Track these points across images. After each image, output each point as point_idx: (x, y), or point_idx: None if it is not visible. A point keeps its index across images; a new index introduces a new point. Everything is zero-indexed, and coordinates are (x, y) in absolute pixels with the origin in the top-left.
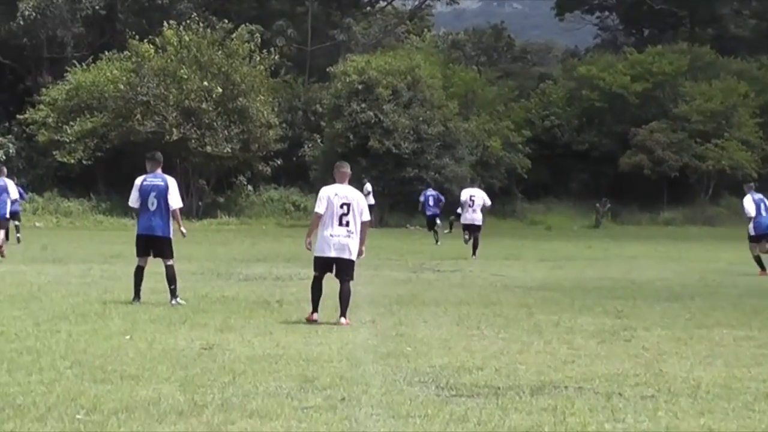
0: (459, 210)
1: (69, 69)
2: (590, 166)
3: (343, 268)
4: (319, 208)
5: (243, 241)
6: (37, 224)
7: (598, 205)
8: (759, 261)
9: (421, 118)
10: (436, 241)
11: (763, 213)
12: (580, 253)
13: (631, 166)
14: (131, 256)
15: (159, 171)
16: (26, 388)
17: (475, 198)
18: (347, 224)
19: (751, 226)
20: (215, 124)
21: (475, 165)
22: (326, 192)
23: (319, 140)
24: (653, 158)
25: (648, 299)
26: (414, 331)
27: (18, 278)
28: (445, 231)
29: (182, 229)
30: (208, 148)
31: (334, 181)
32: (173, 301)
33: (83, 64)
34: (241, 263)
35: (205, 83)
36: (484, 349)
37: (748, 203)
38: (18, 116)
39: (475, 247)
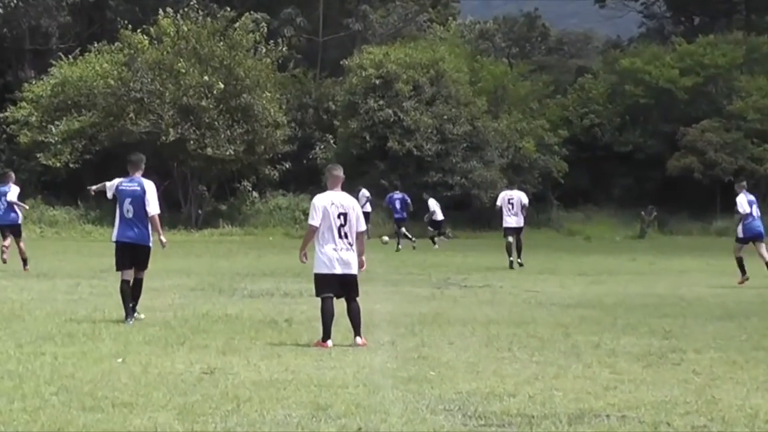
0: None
1: (54, 62)
2: (634, 170)
3: (350, 285)
4: (314, 219)
5: (247, 253)
6: None
7: (643, 213)
8: (741, 265)
9: (445, 117)
10: (398, 248)
11: (755, 214)
12: (623, 267)
13: (680, 169)
14: None
15: (138, 175)
16: (7, 417)
17: (514, 200)
18: (346, 236)
19: (740, 228)
20: (216, 123)
21: (505, 169)
22: (321, 201)
23: (332, 141)
24: (705, 161)
25: (699, 318)
26: (438, 353)
27: None
28: (414, 243)
29: (162, 238)
30: (209, 150)
31: (331, 188)
32: (129, 321)
33: (70, 56)
34: (246, 278)
35: (205, 78)
36: (516, 374)
37: (743, 201)
38: None
39: (519, 249)
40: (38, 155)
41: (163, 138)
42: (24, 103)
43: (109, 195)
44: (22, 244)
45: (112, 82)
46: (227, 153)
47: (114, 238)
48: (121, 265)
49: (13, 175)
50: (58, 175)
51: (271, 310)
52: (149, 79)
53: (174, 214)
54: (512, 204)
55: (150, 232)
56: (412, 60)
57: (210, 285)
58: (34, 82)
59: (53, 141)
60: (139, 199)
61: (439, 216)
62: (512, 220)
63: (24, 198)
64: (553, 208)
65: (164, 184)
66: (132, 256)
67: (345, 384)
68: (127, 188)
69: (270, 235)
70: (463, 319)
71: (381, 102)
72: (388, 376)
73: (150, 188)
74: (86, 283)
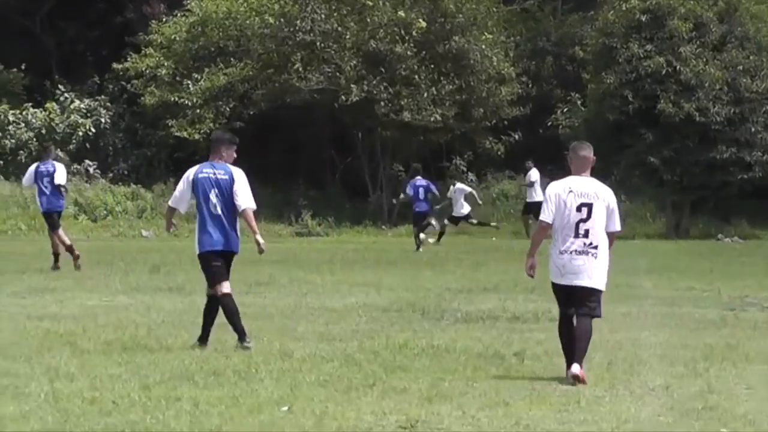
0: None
1: None
2: None
3: (582, 298)
4: (546, 214)
5: (461, 259)
6: (143, 233)
7: None
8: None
9: (740, 68)
10: (417, 247)
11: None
12: None
13: None
14: (288, 283)
15: (222, 161)
16: None
17: None
18: (585, 234)
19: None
20: (417, 77)
21: None
22: (556, 189)
23: (579, 102)
24: None
25: None
26: (731, 402)
27: (117, 316)
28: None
29: (258, 238)
30: (406, 115)
31: (578, 170)
32: (244, 343)
33: None
34: (459, 295)
35: (401, 14)
36: None
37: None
38: (114, 66)
39: None
40: (170, 123)
41: (343, 98)
42: (150, 50)
43: (184, 208)
44: (62, 234)
45: (271, 20)
46: (432, 119)
47: (199, 250)
48: (217, 277)
49: (53, 149)
50: (197, 150)
51: (494, 339)
52: (323, 16)
53: (358, 204)
54: None
55: (239, 235)
56: None
57: (409, 305)
58: (164, 21)
59: (190, 103)
60: (228, 189)
61: (465, 209)
62: None
63: (152, 182)
64: None
65: (344, 162)
66: (227, 265)
67: None
68: (211, 176)
69: (493, 234)
70: (767, 354)
71: (648, 47)
72: None
73: (240, 177)
74: (236, 301)
